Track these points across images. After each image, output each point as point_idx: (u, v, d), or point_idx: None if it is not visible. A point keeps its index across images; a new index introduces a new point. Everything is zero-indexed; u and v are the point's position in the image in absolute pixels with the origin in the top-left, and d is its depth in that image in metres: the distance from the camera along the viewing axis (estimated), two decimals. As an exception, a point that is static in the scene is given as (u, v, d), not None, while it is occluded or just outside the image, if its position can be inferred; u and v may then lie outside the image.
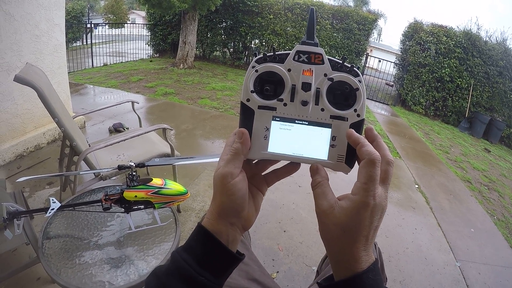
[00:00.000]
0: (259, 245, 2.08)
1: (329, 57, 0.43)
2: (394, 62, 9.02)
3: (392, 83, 9.31)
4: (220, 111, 4.86)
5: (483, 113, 7.66)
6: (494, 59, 7.69)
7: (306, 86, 0.43)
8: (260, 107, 0.45)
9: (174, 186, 1.27)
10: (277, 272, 1.89)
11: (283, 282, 1.82)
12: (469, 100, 7.76)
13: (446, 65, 7.78)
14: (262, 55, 0.44)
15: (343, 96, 0.44)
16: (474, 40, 7.75)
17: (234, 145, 0.44)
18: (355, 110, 0.44)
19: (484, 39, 7.95)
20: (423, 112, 8.14)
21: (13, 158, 2.63)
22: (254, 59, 0.44)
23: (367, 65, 8.78)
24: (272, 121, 0.45)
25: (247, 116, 0.45)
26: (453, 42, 7.76)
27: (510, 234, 2.99)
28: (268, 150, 0.46)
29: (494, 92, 7.81)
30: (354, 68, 0.43)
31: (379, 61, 8.52)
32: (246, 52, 9.27)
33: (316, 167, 0.44)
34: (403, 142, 5.07)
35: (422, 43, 8.04)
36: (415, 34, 8.23)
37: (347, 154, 0.45)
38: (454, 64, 7.75)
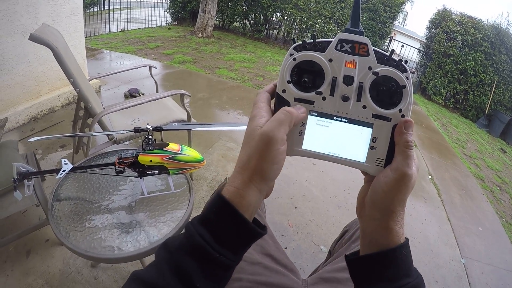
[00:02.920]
0: (270, 219, 2.08)
1: (375, 48, 0.39)
2: (418, 49, 8.70)
3: (414, 70, 9.03)
4: (237, 82, 4.79)
5: (504, 112, 7.39)
6: (522, 58, 7.35)
7: (348, 80, 0.40)
8: (296, 100, 0.41)
9: (191, 153, 1.24)
10: (286, 248, 1.89)
11: (290, 258, 1.80)
12: (491, 97, 7.49)
13: (471, 58, 7.46)
14: (301, 42, 0.40)
15: (387, 93, 0.40)
16: (503, 36, 7.40)
17: (289, 109, 0.39)
18: (400, 110, 0.40)
19: (514, 36, 7.58)
20: (442, 103, 7.90)
21: (27, 121, 2.65)
22: (292, 46, 0.40)
23: (389, 49, 8.48)
24: (309, 116, 0.42)
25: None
26: (481, 35, 7.40)
27: (517, 238, 2.94)
28: (303, 147, 0.43)
29: (517, 93, 7.51)
30: (402, 63, 0.39)
31: (402, 46, 8.21)
32: (267, 25, 9.03)
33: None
34: (420, 131, 4.94)
35: (449, 32, 7.69)
36: (442, 22, 7.86)
37: (387, 158, 0.41)
38: (480, 58, 7.43)
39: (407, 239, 0.41)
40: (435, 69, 7.92)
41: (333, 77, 0.40)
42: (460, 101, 7.90)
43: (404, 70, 0.39)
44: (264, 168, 0.39)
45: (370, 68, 0.39)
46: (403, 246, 0.40)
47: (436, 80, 7.87)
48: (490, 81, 7.50)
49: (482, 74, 7.50)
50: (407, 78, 0.39)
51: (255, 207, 0.40)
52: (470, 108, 7.85)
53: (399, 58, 0.39)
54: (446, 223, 2.65)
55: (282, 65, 0.41)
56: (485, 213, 3.13)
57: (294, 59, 0.40)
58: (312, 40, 0.40)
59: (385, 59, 0.39)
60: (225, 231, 0.39)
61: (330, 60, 0.40)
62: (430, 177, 3.39)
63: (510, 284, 2.23)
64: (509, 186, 4.22)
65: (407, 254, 0.40)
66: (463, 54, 7.55)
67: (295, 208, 2.26)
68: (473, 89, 7.69)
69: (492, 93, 7.49)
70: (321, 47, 0.40)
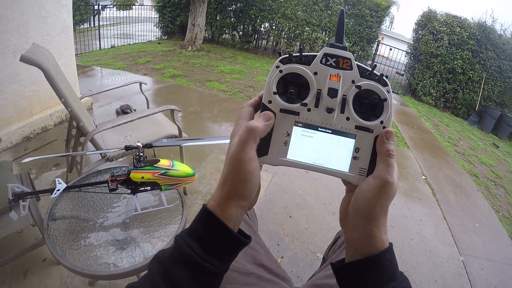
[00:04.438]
0: (265, 229, 2.08)
1: (358, 63, 0.41)
2: (405, 51, 8.83)
3: (403, 72, 9.14)
4: (228, 94, 4.83)
5: (494, 108, 7.52)
6: (508, 53, 7.50)
7: (333, 92, 0.41)
8: (282, 111, 0.42)
9: (182, 168, 1.26)
10: (282, 257, 1.89)
11: (287, 267, 1.82)
12: (480, 94, 7.61)
13: (458, 57, 7.60)
14: (287, 55, 0.42)
15: (370, 105, 0.42)
16: (488, 32, 7.55)
17: (251, 125, 0.40)
18: (381, 122, 0.42)
19: (499, 32, 7.75)
20: (433, 103, 8.01)
21: (20, 140, 2.64)
22: (279, 58, 0.42)
23: (378, 52, 8.59)
24: (294, 127, 0.43)
25: None
26: (466, 33, 7.55)
27: (514, 231, 2.96)
28: (287, 157, 0.44)
29: (506, 87, 7.65)
30: (384, 77, 0.41)
31: (390, 49, 8.31)
32: (256, 36, 9.14)
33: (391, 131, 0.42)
34: (412, 132, 5.00)
35: (435, 32, 7.85)
36: (428, 23, 8.03)
37: (369, 168, 0.43)
38: (467, 56, 7.57)
39: (391, 244, 0.43)
40: (423, 70, 8.04)
41: (318, 89, 0.41)
42: (450, 100, 8.01)
43: (385, 84, 0.41)
44: (239, 187, 0.41)
45: (353, 82, 0.41)
46: (387, 251, 0.41)
47: (425, 81, 7.98)
48: (478, 78, 7.63)
49: (470, 72, 7.63)
50: (388, 91, 0.41)
51: (238, 219, 0.42)
52: (460, 106, 7.96)
53: (380, 73, 0.41)
54: (442, 222, 2.67)
55: (268, 76, 0.43)
56: (481, 209, 3.16)
57: (281, 71, 0.42)
58: (299, 54, 0.42)
59: (367, 73, 0.41)
60: (211, 240, 0.41)
61: (315, 73, 0.41)
62: (424, 177, 3.42)
63: (510, 278, 2.24)
64: (504, 181, 4.26)
65: (392, 259, 0.42)
66: (451, 53, 7.69)
67: (290, 217, 2.26)
68: (462, 87, 7.82)
69: (481, 89, 7.61)
70: (307, 61, 0.42)
